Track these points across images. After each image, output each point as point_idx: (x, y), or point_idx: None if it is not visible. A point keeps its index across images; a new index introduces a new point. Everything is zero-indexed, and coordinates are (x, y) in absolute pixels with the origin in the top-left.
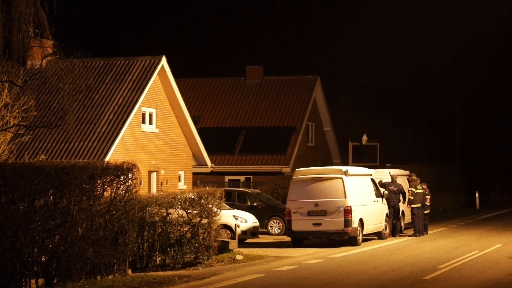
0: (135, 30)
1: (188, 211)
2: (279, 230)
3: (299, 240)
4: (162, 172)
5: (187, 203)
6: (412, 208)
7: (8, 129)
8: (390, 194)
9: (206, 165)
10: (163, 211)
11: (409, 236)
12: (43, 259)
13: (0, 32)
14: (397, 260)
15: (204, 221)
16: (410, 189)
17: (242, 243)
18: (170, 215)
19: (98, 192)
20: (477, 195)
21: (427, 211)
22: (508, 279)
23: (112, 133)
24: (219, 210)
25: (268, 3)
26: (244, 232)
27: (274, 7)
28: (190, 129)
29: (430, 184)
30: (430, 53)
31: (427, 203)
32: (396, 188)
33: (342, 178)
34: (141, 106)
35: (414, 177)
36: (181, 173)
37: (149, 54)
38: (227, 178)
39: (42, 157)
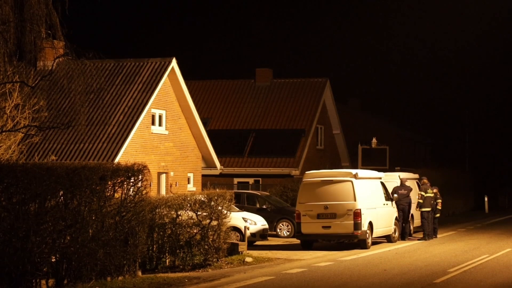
0: (146, 32)
1: (198, 213)
2: (288, 233)
3: (309, 242)
4: (172, 173)
5: (197, 205)
6: (422, 212)
7: (19, 130)
8: (400, 197)
9: (215, 167)
10: (173, 212)
11: (418, 239)
12: (53, 260)
13: (12, 33)
14: (407, 263)
15: (214, 223)
16: (420, 192)
17: (251, 245)
18: (179, 217)
19: (108, 193)
20: (486, 199)
21: (438, 215)
22: None
23: (122, 135)
24: (228, 212)
25: (278, 5)
26: (253, 235)
27: (284, 9)
28: (200, 131)
29: (439, 188)
30: (440, 57)
31: (439, 207)
32: (406, 191)
33: (351, 181)
34: (151, 107)
35: (425, 181)
36: (190, 175)
37: (159, 56)
38: (236, 180)
39: (52, 157)
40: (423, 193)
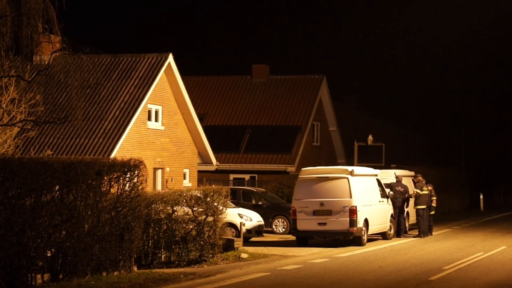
0: (142, 27)
1: (194, 208)
2: (283, 229)
3: (304, 239)
4: (168, 169)
5: (193, 200)
6: (417, 209)
7: (15, 124)
8: (396, 194)
9: (211, 163)
10: (168, 208)
11: (413, 237)
12: (49, 254)
13: (8, 27)
14: (402, 260)
15: (210, 219)
16: (415, 190)
17: (247, 242)
18: (175, 213)
19: (104, 188)
20: (481, 197)
21: (432, 212)
22: None
23: (118, 130)
24: (224, 208)
25: (275, 1)
26: (249, 231)
27: (280, 6)
28: (196, 127)
29: (435, 186)
30: (436, 55)
31: (433, 204)
32: (402, 189)
33: (347, 178)
34: (147, 103)
35: (420, 178)
36: (186, 170)
37: (156, 51)
38: (232, 176)
39: (48, 152)
40: (418, 190)
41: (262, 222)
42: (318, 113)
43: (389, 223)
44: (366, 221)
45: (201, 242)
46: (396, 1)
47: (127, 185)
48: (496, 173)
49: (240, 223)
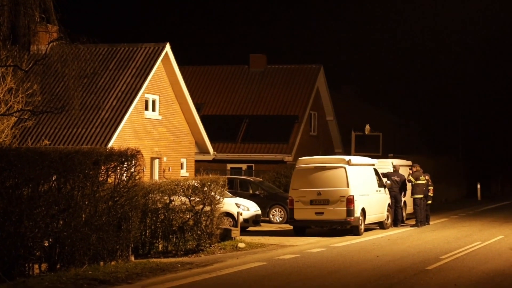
0: (140, 17)
1: (191, 198)
2: (280, 219)
3: (301, 228)
4: (165, 159)
5: (190, 190)
6: (414, 199)
7: (13, 114)
8: (393, 184)
9: (208, 152)
10: (166, 198)
11: (410, 226)
12: (46, 244)
13: (5, 17)
14: (400, 250)
15: (207, 208)
16: (409, 177)
17: (244, 231)
18: (172, 202)
19: (102, 178)
20: (478, 186)
21: (429, 202)
22: (511, 270)
23: (115, 120)
24: (221, 197)
25: None
26: (246, 220)
27: None
28: (193, 117)
29: (432, 175)
30: (434, 44)
31: (430, 194)
32: (398, 179)
33: (345, 168)
34: (145, 92)
35: (418, 168)
36: (184, 160)
37: (153, 41)
38: (229, 166)
39: (45, 142)
40: (412, 178)
41: (259, 212)
42: (315, 103)
43: (386, 213)
44: (363, 210)
45: (198, 232)
46: None
47: (124, 174)
48: (493, 162)
49: (237, 212)
